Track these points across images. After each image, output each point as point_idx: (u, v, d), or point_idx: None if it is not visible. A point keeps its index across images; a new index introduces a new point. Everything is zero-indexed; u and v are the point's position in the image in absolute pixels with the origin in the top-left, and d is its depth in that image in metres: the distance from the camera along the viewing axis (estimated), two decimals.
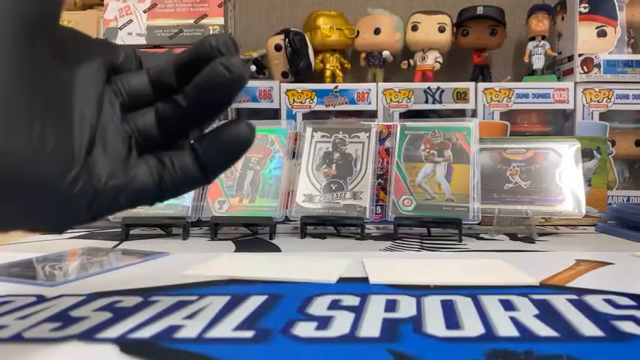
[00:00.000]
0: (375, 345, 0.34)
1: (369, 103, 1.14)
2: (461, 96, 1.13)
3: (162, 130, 0.34)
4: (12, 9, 0.25)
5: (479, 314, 0.40)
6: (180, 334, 0.36)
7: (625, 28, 1.13)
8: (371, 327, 0.37)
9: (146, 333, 0.36)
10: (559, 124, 1.18)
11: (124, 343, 0.34)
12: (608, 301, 0.44)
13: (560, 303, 0.43)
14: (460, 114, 1.15)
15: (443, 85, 1.14)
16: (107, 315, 0.40)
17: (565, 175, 0.83)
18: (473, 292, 0.46)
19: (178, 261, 0.62)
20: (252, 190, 0.82)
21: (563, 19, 1.20)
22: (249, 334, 0.36)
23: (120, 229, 0.80)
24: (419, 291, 0.47)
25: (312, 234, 0.84)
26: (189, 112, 0.33)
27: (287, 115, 1.14)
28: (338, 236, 0.82)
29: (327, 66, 1.23)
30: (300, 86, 1.14)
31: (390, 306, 0.42)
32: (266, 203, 0.81)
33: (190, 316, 0.40)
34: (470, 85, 1.14)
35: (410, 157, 0.85)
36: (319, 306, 0.42)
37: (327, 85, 1.16)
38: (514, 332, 0.36)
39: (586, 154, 0.93)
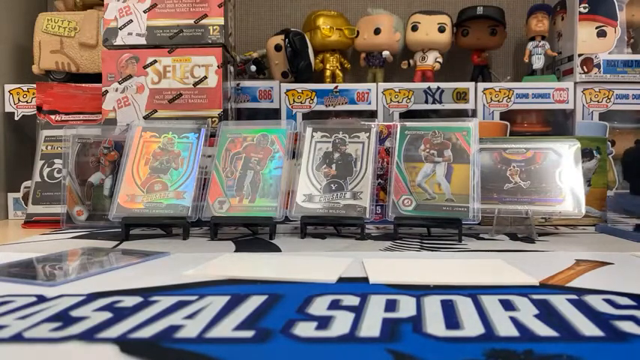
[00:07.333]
0: (375, 345, 0.34)
1: (369, 103, 1.14)
2: (461, 96, 1.13)
3: None
4: None
5: (479, 314, 0.40)
6: (180, 334, 0.36)
7: (625, 28, 1.13)
8: (371, 327, 0.37)
9: (146, 333, 0.36)
10: (559, 124, 1.18)
11: (124, 343, 0.34)
12: (608, 301, 0.44)
13: (560, 303, 0.43)
14: (460, 114, 1.15)
15: (443, 85, 1.14)
16: (107, 315, 0.40)
17: (565, 175, 0.83)
18: (473, 292, 0.46)
19: (178, 261, 0.62)
20: (253, 190, 0.82)
21: (562, 19, 1.20)
22: (249, 334, 0.36)
23: (120, 229, 0.80)
24: (419, 291, 0.47)
25: (312, 234, 0.84)
26: None
27: (287, 115, 1.14)
28: (338, 236, 0.82)
29: (327, 66, 1.24)
30: (300, 86, 1.14)
31: (390, 306, 0.42)
32: (266, 203, 0.81)
33: (190, 316, 0.40)
34: (470, 85, 1.14)
35: (410, 157, 0.85)
36: (319, 306, 0.42)
37: (327, 85, 1.16)
38: (514, 332, 0.36)
39: (586, 154, 0.93)
